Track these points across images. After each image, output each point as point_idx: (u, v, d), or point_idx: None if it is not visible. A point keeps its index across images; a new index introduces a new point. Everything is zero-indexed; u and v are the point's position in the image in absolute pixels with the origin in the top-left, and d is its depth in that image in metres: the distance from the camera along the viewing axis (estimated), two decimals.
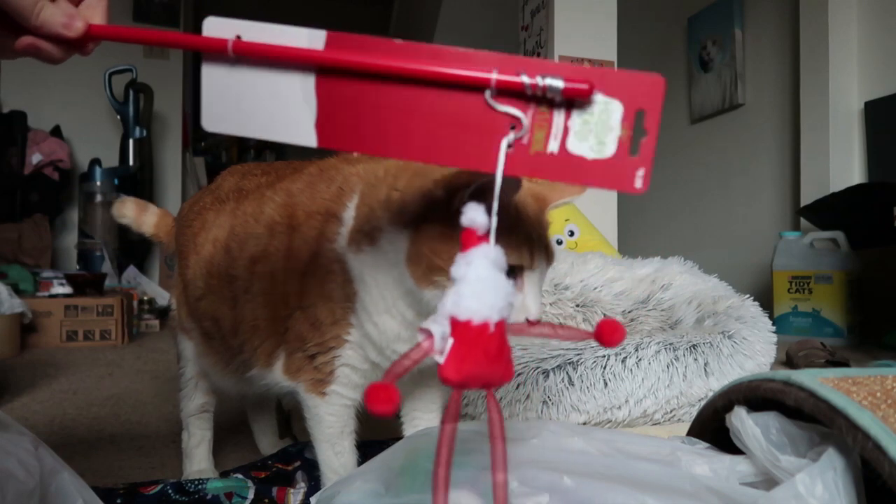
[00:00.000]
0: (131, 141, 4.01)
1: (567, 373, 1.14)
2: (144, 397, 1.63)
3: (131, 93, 3.99)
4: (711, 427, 0.70)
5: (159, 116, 4.39)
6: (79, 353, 2.40)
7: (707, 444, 0.67)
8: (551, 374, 1.14)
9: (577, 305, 1.65)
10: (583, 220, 2.22)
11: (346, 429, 0.78)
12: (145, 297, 3.30)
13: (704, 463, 0.60)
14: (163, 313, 3.25)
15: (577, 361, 1.15)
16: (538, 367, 1.14)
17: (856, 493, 0.51)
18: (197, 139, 5.51)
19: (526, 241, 0.59)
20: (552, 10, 2.60)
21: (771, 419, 0.59)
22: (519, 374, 1.15)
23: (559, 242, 2.10)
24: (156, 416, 1.45)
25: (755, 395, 0.61)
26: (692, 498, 0.56)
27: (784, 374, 0.58)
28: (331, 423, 0.76)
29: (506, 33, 3.35)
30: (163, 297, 3.42)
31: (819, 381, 0.54)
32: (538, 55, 2.69)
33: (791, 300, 2.69)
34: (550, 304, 1.66)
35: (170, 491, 0.91)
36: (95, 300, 2.71)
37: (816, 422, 0.55)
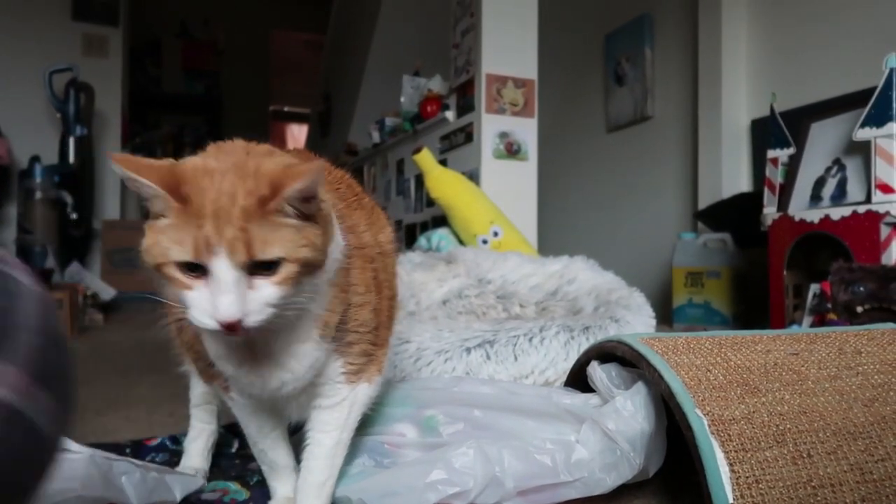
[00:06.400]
0: (71, 139, 4.06)
1: (485, 349, 1.42)
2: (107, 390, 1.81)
3: (72, 91, 4.05)
4: (580, 378, 0.99)
5: (100, 114, 4.44)
6: None
7: (573, 390, 0.95)
8: (472, 350, 1.41)
9: (498, 297, 1.94)
10: (506, 221, 2.51)
11: None
12: (88, 292, 3.40)
13: (568, 397, 0.88)
14: (106, 308, 3.36)
15: (493, 340, 1.43)
16: (462, 346, 1.42)
17: (654, 409, 0.79)
18: (133, 135, 5.55)
19: (202, 232, 0.60)
20: (480, 32, 2.89)
21: (612, 367, 0.88)
22: (447, 352, 1.42)
23: (484, 242, 2.39)
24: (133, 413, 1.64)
25: (603, 352, 0.89)
26: (557, 418, 0.84)
27: (618, 336, 0.86)
28: None
29: (437, 49, 3.62)
30: (107, 292, 3.53)
31: (638, 340, 0.83)
32: (467, 72, 2.98)
33: (687, 293, 3.07)
34: (476, 296, 1.94)
35: (167, 442, 1.13)
36: None
37: (636, 367, 0.84)
